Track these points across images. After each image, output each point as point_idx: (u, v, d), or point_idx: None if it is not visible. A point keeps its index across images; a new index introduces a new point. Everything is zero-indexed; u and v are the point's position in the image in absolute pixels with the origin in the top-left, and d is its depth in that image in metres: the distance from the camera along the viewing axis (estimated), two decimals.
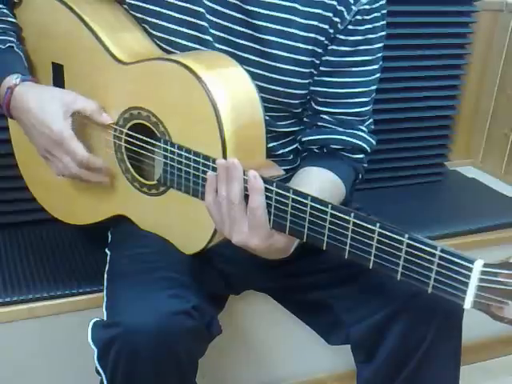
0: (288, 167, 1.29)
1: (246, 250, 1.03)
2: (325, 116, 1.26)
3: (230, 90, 1.09)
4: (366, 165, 1.31)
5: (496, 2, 2.14)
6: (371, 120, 1.31)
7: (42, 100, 1.15)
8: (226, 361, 1.65)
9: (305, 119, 1.29)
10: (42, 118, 1.14)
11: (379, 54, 1.26)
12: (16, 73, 1.19)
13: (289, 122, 1.28)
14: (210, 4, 1.18)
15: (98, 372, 1.06)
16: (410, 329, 1.14)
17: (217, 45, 1.19)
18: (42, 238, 1.60)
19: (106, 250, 1.29)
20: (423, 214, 1.86)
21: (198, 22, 1.18)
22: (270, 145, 1.24)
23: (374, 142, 1.29)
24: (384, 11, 1.23)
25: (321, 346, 1.39)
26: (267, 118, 1.14)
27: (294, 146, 1.31)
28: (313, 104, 1.26)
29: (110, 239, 1.33)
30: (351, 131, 1.26)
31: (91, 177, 1.20)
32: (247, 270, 1.27)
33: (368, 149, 1.28)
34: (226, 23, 1.18)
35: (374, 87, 1.27)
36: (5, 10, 1.28)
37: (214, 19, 1.18)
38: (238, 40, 1.19)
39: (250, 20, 1.17)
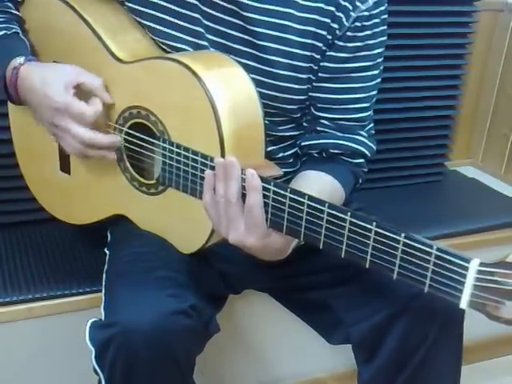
0: (288, 170, 1.29)
1: (245, 251, 1.04)
2: (324, 121, 1.25)
3: (230, 90, 1.09)
4: (365, 169, 1.31)
5: (496, 2, 2.14)
6: (372, 125, 1.31)
7: (45, 74, 1.15)
8: (226, 360, 1.65)
9: (304, 124, 1.29)
10: (44, 90, 1.13)
11: (379, 60, 1.25)
12: (21, 55, 1.19)
13: (288, 126, 1.28)
14: (207, 9, 1.18)
15: (95, 372, 1.07)
16: (411, 329, 1.14)
17: (214, 50, 1.19)
18: (42, 238, 1.60)
19: (106, 250, 1.29)
20: (423, 214, 1.85)
21: (194, 27, 1.18)
22: (270, 148, 1.24)
23: (374, 147, 1.29)
24: (384, 16, 1.22)
25: (321, 345, 1.39)
26: (266, 122, 1.14)
27: (294, 149, 1.31)
28: (312, 109, 1.26)
29: (109, 239, 1.33)
30: (351, 136, 1.26)
31: (102, 140, 1.15)
32: (247, 269, 1.27)
33: (368, 153, 1.28)
34: (223, 29, 1.18)
35: (374, 92, 1.27)
36: (9, 3, 1.28)
37: (211, 25, 1.18)
38: (235, 45, 1.19)
39: (247, 26, 1.17)
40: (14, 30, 1.24)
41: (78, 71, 1.17)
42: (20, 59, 1.17)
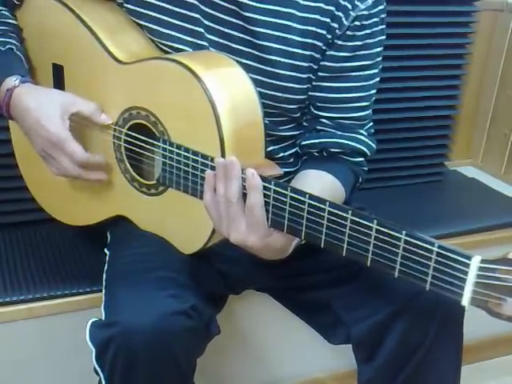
0: (288, 170, 1.29)
1: (246, 250, 1.04)
2: (324, 120, 1.26)
3: (229, 90, 1.09)
4: (366, 168, 1.31)
5: (496, 2, 2.14)
6: (371, 124, 1.31)
7: (41, 102, 1.16)
8: (226, 360, 1.65)
9: (304, 123, 1.29)
10: (39, 120, 1.14)
11: (378, 59, 1.25)
12: (16, 75, 1.19)
13: (288, 126, 1.28)
14: (207, 10, 1.18)
15: (96, 372, 1.06)
16: (411, 328, 1.14)
17: (214, 50, 1.19)
18: (42, 239, 1.60)
19: (106, 250, 1.29)
20: (423, 214, 1.85)
21: (194, 27, 1.18)
22: (270, 148, 1.25)
23: (374, 146, 1.29)
24: (383, 15, 1.22)
25: (320, 345, 1.40)
26: (266, 122, 1.14)
27: (294, 149, 1.31)
28: (312, 109, 1.26)
29: (109, 239, 1.33)
30: (351, 135, 1.26)
31: (90, 175, 1.20)
32: (247, 269, 1.27)
33: (368, 152, 1.28)
34: (223, 29, 1.18)
35: (373, 91, 1.27)
36: (5, 12, 1.28)
37: (212, 25, 1.19)
38: (235, 46, 1.19)
39: (247, 26, 1.17)
40: (8, 46, 1.24)
41: (71, 100, 1.18)
42: (15, 81, 1.18)
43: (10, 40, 1.25)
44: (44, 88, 1.23)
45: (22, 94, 1.17)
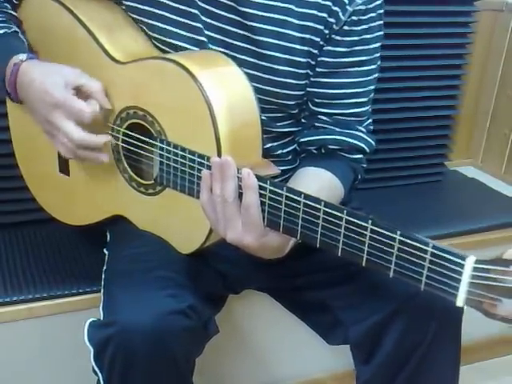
0: (287, 167, 1.29)
1: (243, 250, 1.04)
2: (322, 117, 1.25)
3: (226, 89, 1.09)
4: (364, 165, 1.31)
5: (496, 2, 2.14)
6: (370, 120, 1.30)
7: (46, 73, 1.14)
8: (225, 360, 1.65)
9: (302, 120, 1.29)
10: (43, 87, 1.12)
11: (376, 54, 1.25)
12: (23, 53, 1.19)
13: (286, 122, 1.28)
14: (205, 5, 1.18)
15: (94, 372, 1.07)
16: (409, 329, 1.14)
17: (212, 46, 1.19)
18: (42, 239, 1.60)
19: (105, 250, 1.30)
20: (423, 214, 1.85)
21: (193, 23, 1.18)
22: (268, 145, 1.24)
23: (373, 143, 1.28)
24: (380, 11, 1.22)
25: (320, 346, 1.39)
26: (264, 118, 1.14)
27: (293, 146, 1.31)
28: (310, 105, 1.26)
29: (108, 239, 1.33)
30: (349, 131, 1.26)
31: (91, 139, 1.13)
32: (246, 269, 1.27)
33: (366, 149, 1.27)
34: (220, 25, 1.18)
35: (371, 87, 1.27)
36: (6, 4, 1.29)
37: (209, 21, 1.19)
38: (233, 41, 1.19)
39: (244, 21, 1.17)
40: (13, 29, 1.25)
41: (78, 73, 1.16)
42: (22, 56, 1.17)
43: (14, 26, 1.26)
44: (51, 63, 1.21)
45: (28, 68, 1.16)
